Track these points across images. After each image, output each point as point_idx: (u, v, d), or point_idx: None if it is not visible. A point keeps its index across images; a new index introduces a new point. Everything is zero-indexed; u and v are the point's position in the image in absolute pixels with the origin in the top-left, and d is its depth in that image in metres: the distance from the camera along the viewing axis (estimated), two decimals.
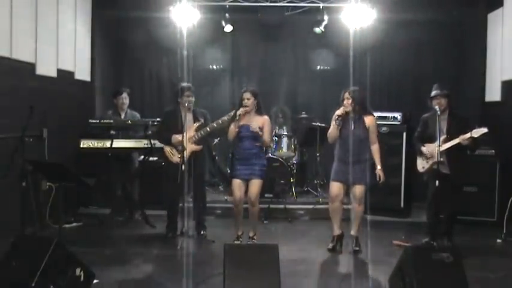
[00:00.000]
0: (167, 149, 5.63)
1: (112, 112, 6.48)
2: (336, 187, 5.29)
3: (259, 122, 5.31)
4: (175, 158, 5.53)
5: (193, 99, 5.59)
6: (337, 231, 5.40)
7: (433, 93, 5.29)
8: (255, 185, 5.30)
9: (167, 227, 5.78)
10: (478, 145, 5.36)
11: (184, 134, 5.29)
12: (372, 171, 5.22)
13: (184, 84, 5.68)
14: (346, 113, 5.18)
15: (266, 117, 5.40)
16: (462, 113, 5.52)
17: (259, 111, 5.35)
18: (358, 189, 5.22)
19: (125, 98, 6.46)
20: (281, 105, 7.88)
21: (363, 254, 5.21)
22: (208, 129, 5.48)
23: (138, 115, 6.60)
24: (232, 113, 5.35)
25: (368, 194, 5.31)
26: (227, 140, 5.58)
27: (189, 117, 5.57)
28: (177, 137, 5.45)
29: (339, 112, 5.16)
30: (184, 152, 5.33)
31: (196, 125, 5.57)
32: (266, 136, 5.34)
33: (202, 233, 5.74)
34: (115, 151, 6.08)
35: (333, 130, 5.23)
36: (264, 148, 6.38)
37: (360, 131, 5.17)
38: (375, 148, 5.22)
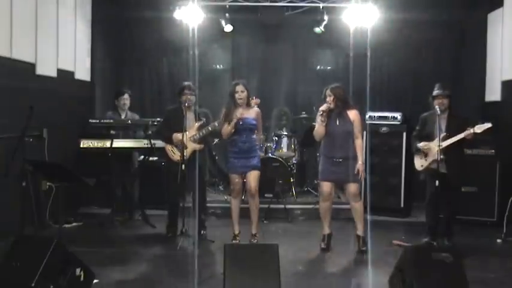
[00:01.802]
0: (168, 147, 5.63)
1: (112, 113, 6.48)
2: (326, 186, 5.31)
3: (254, 114, 5.37)
4: (176, 156, 5.53)
5: (193, 97, 5.60)
6: (327, 230, 5.42)
7: (436, 92, 5.29)
8: (254, 176, 5.33)
9: (167, 226, 5.79)
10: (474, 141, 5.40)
11: (185, 133, 5.31)
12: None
13: (185, 83, 5.71)
14: (330, 110, 5.20)
15: (257, 109, 5.44)
16: (462, 113, 5.53)
17: (249, 103, 5.37)
18: (352, 188, 5.22)
19: (126, 99, 6.47)
20: (282, 106, 7.87)
21: (362, 257, 5.19)
22: (209, 128, 5.46)
23: (137, 116, 6.59)
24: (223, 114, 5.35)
25: (368, 193, 5.32)
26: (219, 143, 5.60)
27: (191, 116, 5.59)
28: (178, 136, 5.45)
29: (322, 108, 5.17)
30: (185, 151, 5.34)
31: (198, 124, 5.56)
32: (260, 129, 5.51)
33: (202, 233, 5.74)
34: (115, 151, 6.08)
35: (319, 127, 5.25)
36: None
37: (345, 126, 5.19)
38: (358, 143, 5.22)
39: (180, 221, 5.60)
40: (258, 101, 5.43)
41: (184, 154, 5.35)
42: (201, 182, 5.77)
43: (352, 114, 5.24)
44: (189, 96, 5.54)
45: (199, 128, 5.53)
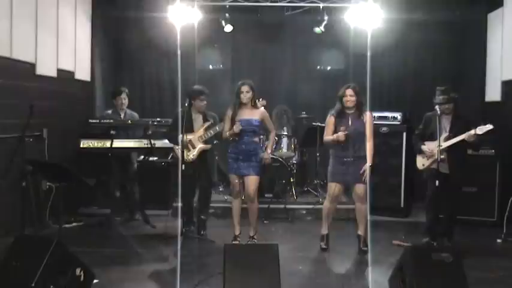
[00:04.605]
0: (176, 147, 5.68)
1: (111, 112, 6.48)
2: (335, 188, 5.30)
3: (257, 115, 5.35)
4: (184, 155, 5.57)
5: (206, 103, 5.70)
6: (326, 231, 5.44)
7: (439, 99, 5.25)
8: (253, 181, 5.31)
9: (184, 223, 5.75)
10: (480, 144, 5.38)
11: (188, 135, 5.44)
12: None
13: (198, 87, 5.76)
14: (343, 111, 5.24)
15: (262, 109, 5.43)
16: (466, 114, 5.51)
17: (255, 104, 5.37)
18: (360, 189, 5.21)
19: (123, 99, 6.45)
20: (283, 105, 7.87)
21: (363, 254, 5.19)
22: (217, 128, 5.55)
23: (136, 115, 6.59)
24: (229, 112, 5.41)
25: (368, 193, 5.31)
26: (220, 144, 5.63)
27: (199, 118, 5.71)
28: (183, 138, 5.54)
29: (342, 138, 5.11)
30: (194, 151, 5.54)
31: (206, 124, 5.65)
32: (271, 127, 5.49)
33: (202, 233, 5.75)
34: (115, 151, 6.08)
35: (331, 141, 5.23)
36: (262, 146, 6.38)
37: (357, 127, 5.18)
38: (369, 145, 5.20)
39: (180, 221, 5.62)
40: (265, 102, 5.44)
41: (194, 154, 5.54)
42: (208, 183, 5.90)
43: (365, 115, 5.24)
44: (204, 102, 5.66)
45: (207, 129, 5.63)
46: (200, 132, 5.63)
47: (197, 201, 5.94)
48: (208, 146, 5.70)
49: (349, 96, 5.19)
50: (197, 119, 5.69)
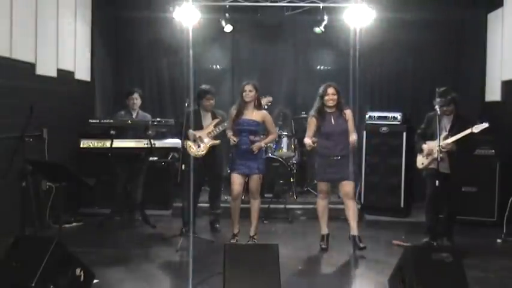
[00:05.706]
0: (186, 143, 5.79)
1: (124, 112, 6.46)
2: (324, 185, 5.38)
3: (259, 117, 5.39)
4: (194, 151, 5.77)
5: (213, 102, 5.97)
6: (325, 230, 5.46)
7: (437, 101, 5.24)
8: (255, 179, 5.39)
9: (184, 223, 5.72)
10: (473, 144, 5.39)
11: (194, 132, 5.67)
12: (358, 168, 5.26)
13: (205, 87, 6.00)
14: (322, 111, 5.33)
15: (265, 112, 5.50)
16: (467, 114, 5.51)
17: (258, 105, 5.43)
18: (347, 186, 5.27)
19: (135, 99, 6.43)
20: (281, 107, 7.87)
21: (363, 254, 5.19)
22: (225, 124, 5.71)
23: (149, 116, 6.54)
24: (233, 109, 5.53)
25: (368, 193, 5.33)
26: (227, 140, 5.64)
27: (208, 116, 5.96)
28: (192, 132, 5.76)
29: (308, 143, 5.19)
30: (202, 146, 5.76)
31: (216, 121, 5.87)
32: (273, 130, 5.53)
33: (216, 226, 6.02)
34: (115, 151, 6.07)
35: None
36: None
37: (341, 126, 5.27)
38: (353, 135, 5.25)
39: (180, 221, 5.61)
40: (270, 98, 5.61)
41: (203, 150, 5.77)
42: (218, 178, 6.22)
43: (347, 113, 5.33)
44: (211, 101, 5.92)
45: (216, 125, 5.83)
46: (210, 128, 5.84)
47: (208, 198, 6.21)
48: (217, 142, 5.87)
49: (331, 95, 5.27)
50: (206, 116, 5.93)
